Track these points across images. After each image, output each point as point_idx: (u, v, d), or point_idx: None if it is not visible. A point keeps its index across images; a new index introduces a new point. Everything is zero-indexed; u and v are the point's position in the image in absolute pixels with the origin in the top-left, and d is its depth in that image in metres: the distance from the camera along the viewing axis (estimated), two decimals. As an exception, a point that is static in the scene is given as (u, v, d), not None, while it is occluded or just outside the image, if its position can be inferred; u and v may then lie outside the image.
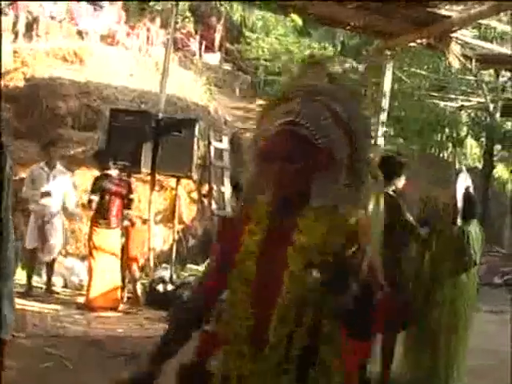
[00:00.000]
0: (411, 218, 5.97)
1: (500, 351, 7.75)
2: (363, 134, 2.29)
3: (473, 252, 5.86)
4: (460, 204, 5.75)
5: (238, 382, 2.21)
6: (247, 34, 19.96)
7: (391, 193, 6.07)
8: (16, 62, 13.62)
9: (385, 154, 7.28)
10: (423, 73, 18.16)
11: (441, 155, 21.18)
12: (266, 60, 19.75)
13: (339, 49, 21.62)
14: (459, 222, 5.83)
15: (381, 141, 12.22)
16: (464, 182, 5.77)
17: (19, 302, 8.02)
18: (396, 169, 6.15)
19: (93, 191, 8.86)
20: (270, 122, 2.28)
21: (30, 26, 14.66)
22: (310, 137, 2.20)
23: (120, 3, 16.72)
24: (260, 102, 18.20)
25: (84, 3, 16.31)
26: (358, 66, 19.24)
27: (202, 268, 11.32)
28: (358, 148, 2.25)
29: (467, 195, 5.82)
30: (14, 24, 14.50)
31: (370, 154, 2.34)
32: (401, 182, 6.13)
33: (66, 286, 10.04)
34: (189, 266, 11.89)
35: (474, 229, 5.97)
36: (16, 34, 14.46)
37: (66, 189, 9.39)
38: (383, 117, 12.07)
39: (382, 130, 12.37)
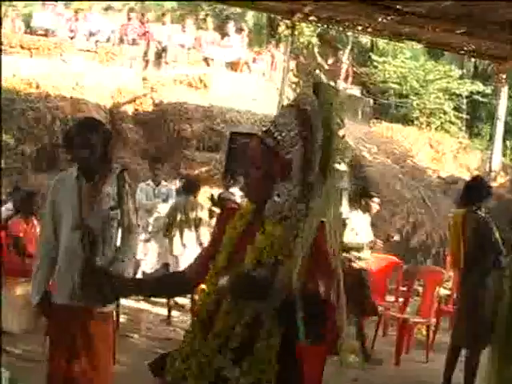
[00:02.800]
0: (499, 240, 6.15)
1: None
2: (323, 147, 2.40)
3: None
4: None
5: (186, 357, 2.39)
6: (374, 57, 20.18)
7: (483, 214, 6.29)
8: (145, 88, 14.64)
9: (474, 176, 7.43)
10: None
11: None
12: (394, 83, 19.87)
13: (471, 71, 21.23)
14: None
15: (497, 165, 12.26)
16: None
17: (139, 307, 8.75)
18: (488, 189, 6.40)
19: (214, 204, 9.54)
20: None
21: (159, 54, 15.65)
22: (276, 147, 2.37)
23: (245, 31, 17.37)
24: (387, 124, 18.40)
25: (211, 32, 17.16)
26: (485, 89, 19.03)
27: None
28: (312, 160, 2.37)
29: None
30: (145, 53, 15.51)
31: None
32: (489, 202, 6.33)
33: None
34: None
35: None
36: (146, 62, 15.47)
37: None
38: (499, 140, 12.12)
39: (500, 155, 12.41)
